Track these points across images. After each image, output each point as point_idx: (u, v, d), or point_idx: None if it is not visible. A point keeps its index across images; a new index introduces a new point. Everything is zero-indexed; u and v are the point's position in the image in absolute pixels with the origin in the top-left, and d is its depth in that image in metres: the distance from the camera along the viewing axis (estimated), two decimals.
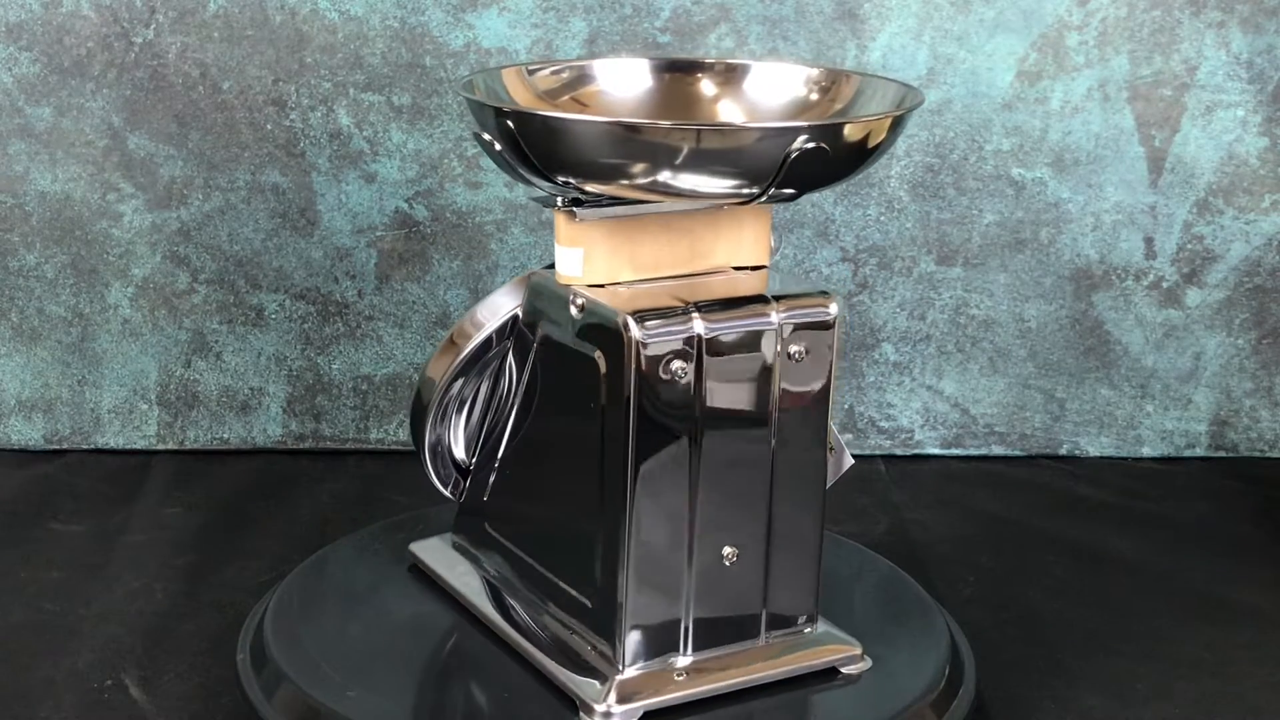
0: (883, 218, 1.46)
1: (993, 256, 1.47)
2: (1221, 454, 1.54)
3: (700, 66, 1.12)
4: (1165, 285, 1.48)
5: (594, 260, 0.97)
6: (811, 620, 1.02)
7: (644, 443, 0.94)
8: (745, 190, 0.92)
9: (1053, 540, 1.35)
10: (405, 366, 1.47)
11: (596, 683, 0.96)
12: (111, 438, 1.47)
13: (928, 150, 1.44)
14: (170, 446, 1.48)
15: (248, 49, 1.39)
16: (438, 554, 1.13)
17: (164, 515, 1.35)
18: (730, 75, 1.11)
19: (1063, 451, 1.53)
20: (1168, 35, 1.42)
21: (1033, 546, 1.34)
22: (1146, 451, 1.53)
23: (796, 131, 0.90)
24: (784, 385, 0.96)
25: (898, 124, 0.95)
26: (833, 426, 1.01)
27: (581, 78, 1.10)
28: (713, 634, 0.99)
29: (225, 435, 1.48)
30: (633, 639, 0.96)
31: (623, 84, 1.10)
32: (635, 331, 0.92)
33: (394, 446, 1.49)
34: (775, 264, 1.03)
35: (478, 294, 1.45)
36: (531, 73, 1.08)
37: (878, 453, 1.52)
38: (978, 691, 1.05)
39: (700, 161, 0.91)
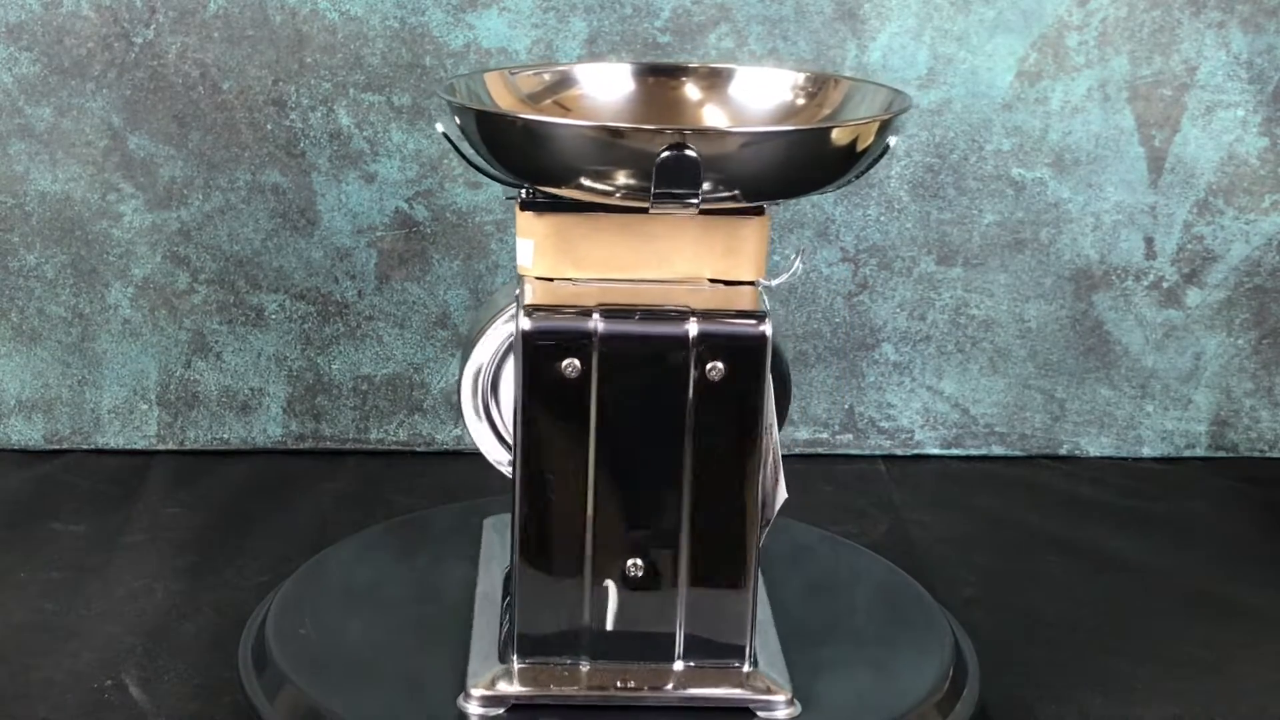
0: (883, 218, 1.46)
1: (993, 256, 1.47)
2: (1221, 454, 1.54)
3: (686, 71, 1.11)
4: (1165, 285, 1.48)
5: (542, 253, 0.98)
6: (741, 657, 0.97)
7: (531, 438, 0.94)
8: (636, 192, 0.91)
9: (1053, 540, 1.35)
10: (405, 366, 1.47)
11: (486, 669, 0.97)
12: (111, 438, 1.47)
13: (928, 150, 1.44)
14: (170, 446, 1.48)
15: (248, 49, 1.39)
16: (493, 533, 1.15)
17: (164, 515, 1.35)
18: (715, 80, 1.11)
19: (1063, 451, 1.53)
20: (1168, 35, 1.42)
21: (1033, 546, 1.34)
22: (1146, 451, 1.53)
23: (663, 135, 0.89)
24: (700, 405, 0.93)
25: (817, 137, 0.94)
26: (770, 458, 0.96)
27: (565, 81, 1.10)
28: (618, 646, 0.97)
29: (225, 435, 1.48)
30: (529, 634, 0.97)
31: (608, 88, 1.10)
32: (525, 322, 0.92)
33: (394, 446, 1.49)
34: (784, 282, 1.01)
35: (478, 294, 1.45)
36: (514, 74, 1.09)
37: (878, 453, 1.52)
38: (980, 694, 1.05)
39: (584, 160, 0.91)
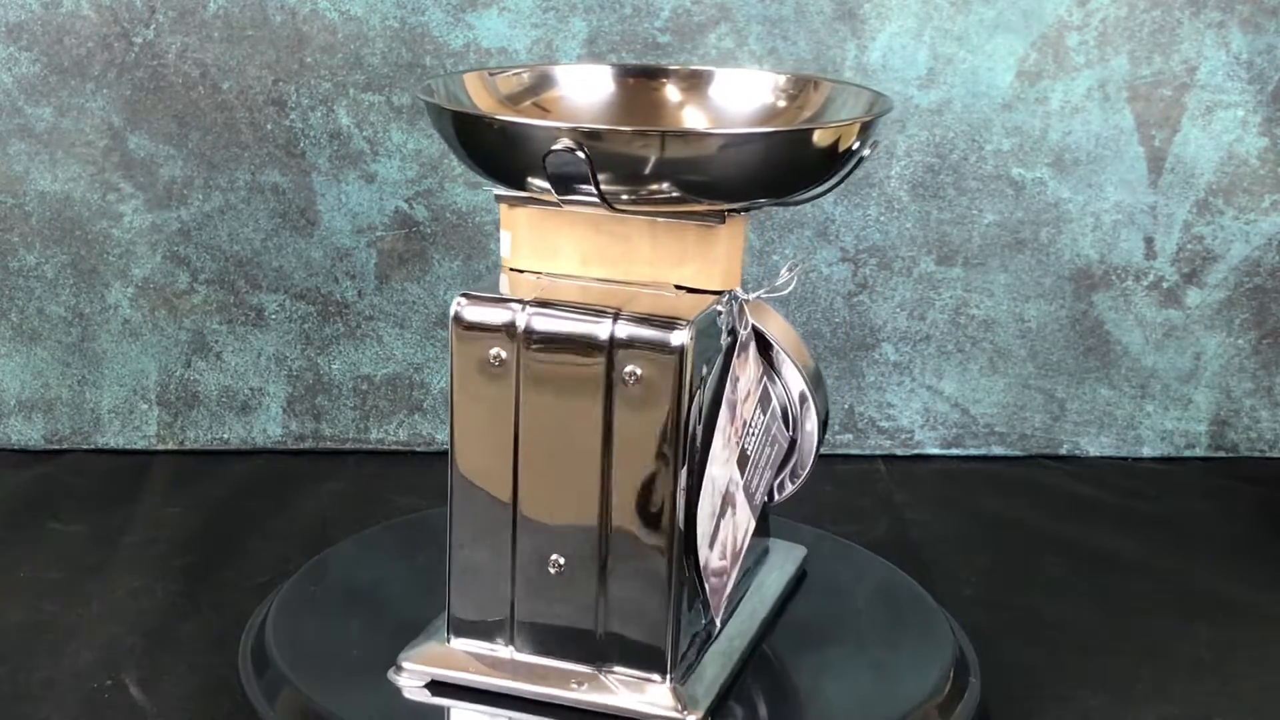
0: (883, 218, 1.46)
1: (993, 256, 1.47)
2: (1221, 454, 1.54)
3: (667, 73, 1.11)
4: (1165, 285, 1.48)
5: (518, 246, 0.99)
6: (660, 667, 0.96)
7: (462, 423, 0.95)
8: (544, 188, 0.92)
9: (1053, 540, 1.35)
10: (405, 366, 1.47)
11: (425, 646, 1.00)
12: (111, 438, 1.47)
13: (928, 150, 1.44)
14: (170, 446, 1.48)
15: (248, 49, 1.39)
16: None
17: (164, 515, 1.35)
18: (696, 81, 1.11)
19: (1063, 451, 1.53)
20: (1168, 35, 1.42)
21: (1033, 546, 1.34)
22: (1146, 451, 1.53)
23: (552, 132, 0.89)
24: (618, 407, 0.93)
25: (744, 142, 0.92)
26: (712, 471, 0.94)
27: (544, 82, 1.10)
28: (542, 640, 0.98)
29: (225, 435, 1.48)
30: (461, 618, 0.99)
31: (588, 89, 1.10)
32: (456, 309, 0.94)
33: (394, 446, 1.49)
34: (766, 296, 1.00)
35: None
36: (493, 75, 1.09)
37: (878, 453, 1.52)
38: (980, 694, 1.05)
39: (497, 154, 0.93)
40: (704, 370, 0.93)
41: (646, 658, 0.96)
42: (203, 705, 1.06)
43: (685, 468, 0.93)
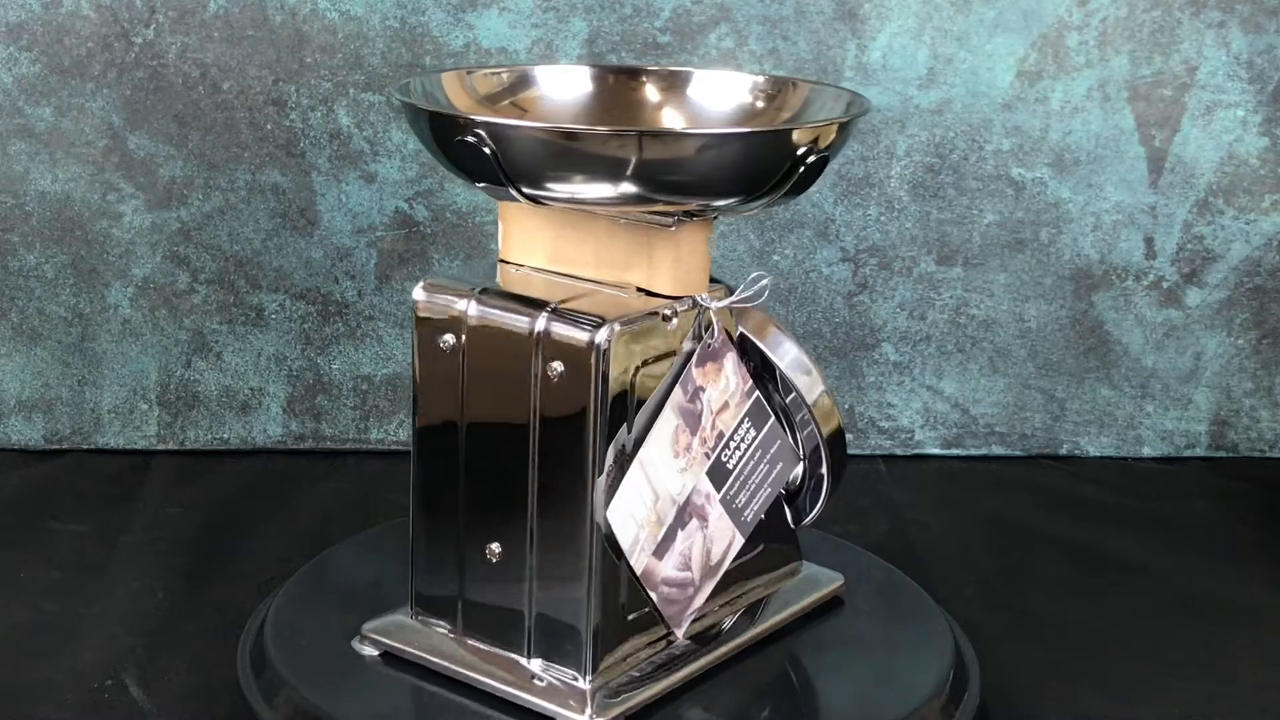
0: (883, 218, 1.46)
1: (993, 256, 1.47)
2: (1221, 454, 1.54)
3: (645, 73, 1.11)
4: (1165, 285, 1.48)
5: (507, 239, 1.02)
6: (578, 666, 0.96)
7: (421, 404, 0.99)
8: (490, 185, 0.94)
9: (1053, 540, 1.35)
10: (405, 366, 1.47)
11: (390, 616, 1.03)
12: (111, 438, 1.47)
13: (928, 150, 1.44)
14: (170, 446, 1.48)
15: (248, 49, 1.39)
16: None
17: (164, 515, 1.35)
18: (674, 81, 1.10)
19: (1063, 451, 1.53)
20: (1168, 35, 1.42)
21: (1033, 546, 1.34)
22: (1146, 451, 1.53)
23: (465, 123, 0.92)
24: (542, 400, 0.93)
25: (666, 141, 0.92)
26: (650, 477, 0.95)
27: (523, 82, 1.10)
28: (483, 625, 1.00)
29: (225, 435, 1.48)
30: (421, 592, 1.02)
31: (566, 89, 1.10)
32: (414, 295, 0.98)
33: (394, 446, 1.49)
34: (732, 306, 0.98)
35: None
36: (470, 74, 1.09)
37: (878, 453, 1.52)
38: (980, 695, 1.05)
39: (432, 146, 0.95)
40: (633, 372, 0.93)
41: (566, 655, 0.97)
42: (203, 705, 1.06)
43: (602, 469, 0.93)
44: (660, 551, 0.96)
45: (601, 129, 0.92)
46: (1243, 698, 1.11)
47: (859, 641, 1.08)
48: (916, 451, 1.52)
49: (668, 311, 0.94)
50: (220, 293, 1.44)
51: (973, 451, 1.52)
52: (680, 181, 0.91)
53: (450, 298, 0.97)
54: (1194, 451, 1.53)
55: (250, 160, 1.41)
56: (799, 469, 1.05)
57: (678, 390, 0.95)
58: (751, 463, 1.00)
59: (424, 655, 1.00)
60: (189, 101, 1.39)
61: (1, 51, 1.37)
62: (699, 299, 0.96)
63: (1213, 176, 1.45)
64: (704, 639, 1.02)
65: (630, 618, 0.97)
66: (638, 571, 0.95)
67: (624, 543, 0.94)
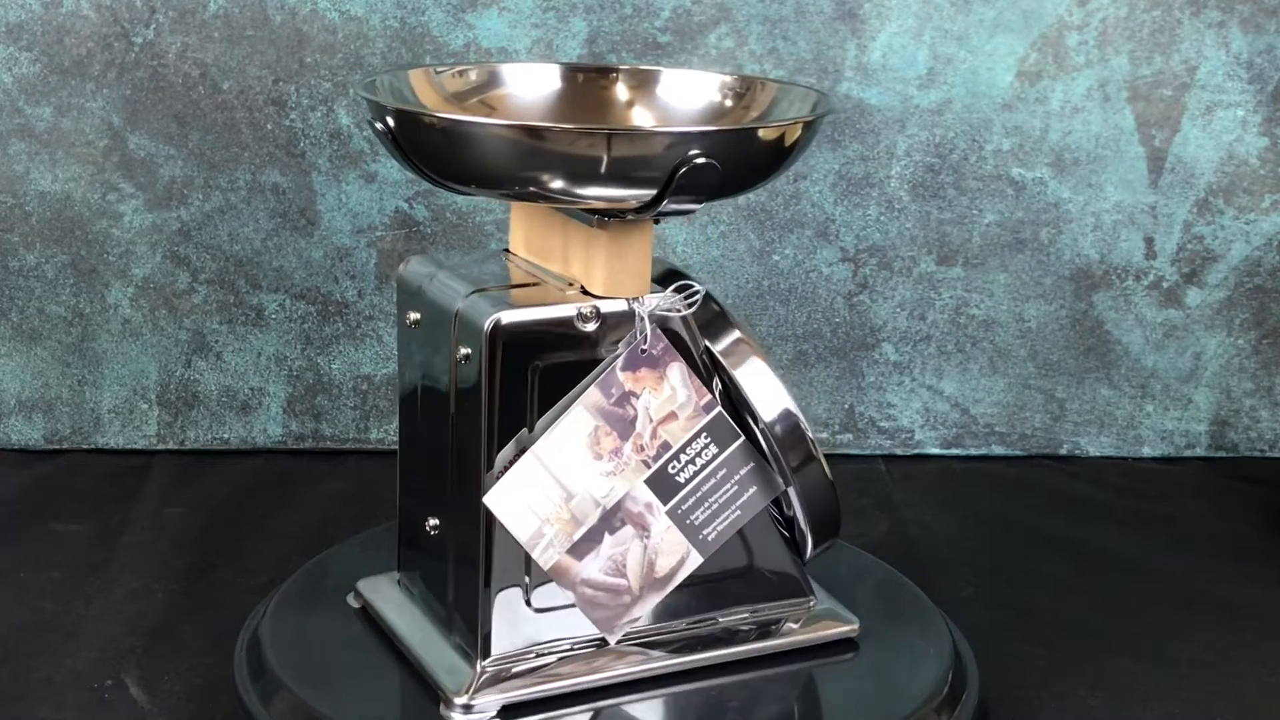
0: (883, 218, 1.46)
1: (993, 256, 1.47)
2: (1221, 454, 1.54)
3: (615, 72, 1.11)
4: (1165, 285, 1.48)
5: (511, 230, 1.04)
6: (473, 654, 0.97)
7: (400, 372, 1.04)
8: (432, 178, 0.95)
9: (1053, 540, 1.35)
10: None
11: (379, 576, 1.09)
12: (111, 438, 1.47)
13: (928, 150, 1.44)
14: (170, 446, 1.48)
15: (248, 49, 1.39)
16: None
17: (164, 515, 1.35)
18: (642, 81, 1.10)
19: (1063, 451, 1.53)
20: (1168, 35, 1.42)
21: (1033, 546, 1.34)
22: (1146, 451, 1.53)
23: (381, 110, 0.93)
24: (456, 383, 0.96)
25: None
26: (558, 475, 0.95)
27: (491, 81, 1.10)
28: (427, 595, 1.04)
29: (225, 435, 1.48)
30: (403, 550, 1.07)
31: (535, 88, 1.10)
32: (400, 268, 1.03)
33: (394, 446, 1.49)
34: (660, 311, 0.96)
35: None
36: (439, 73, 1.09)
37: (878, 453, 1.52)
38: (980, 695, 1.05)
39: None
40: (538, 366, 0.94)
41: (467, 635, 0.98)
42: (203, 705, 1.06)
43: (494, 456, 0.94)
44: (580, 552, 0.96)
45: (475, 119, 0.95)
46: (1243, 698, 1.11)
47: (856, 643, 1.07)
48: (916, 451, 1.52)
49: (586, 310, 0.94)
50: (220, 293, 1.44)
51: (973, 451, 1.52)
52: (546, 176, 0.91)
53: (419, 275, 1.00)
54: (1194, 451, 1.53)
55: (250, 160, 1.41)
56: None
57: (595, 391, 0.94)
58: (712, 480, 0.98)
59: (384, 616, 1.04)
60: (189, 101, 1.39)
61: (1, 51, 1.37)
62: (631, 302, 0.95)
63: (1213, 176, 1.45)
64: (653, 647, 1.01)
65: (539, 609, 0.97)
66: (544, 565, 0.95)
67: (520, 534, 0.94)
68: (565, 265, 0.98)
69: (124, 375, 1.46)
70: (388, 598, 1.07)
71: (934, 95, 1.42)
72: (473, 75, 1.10)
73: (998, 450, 1.52)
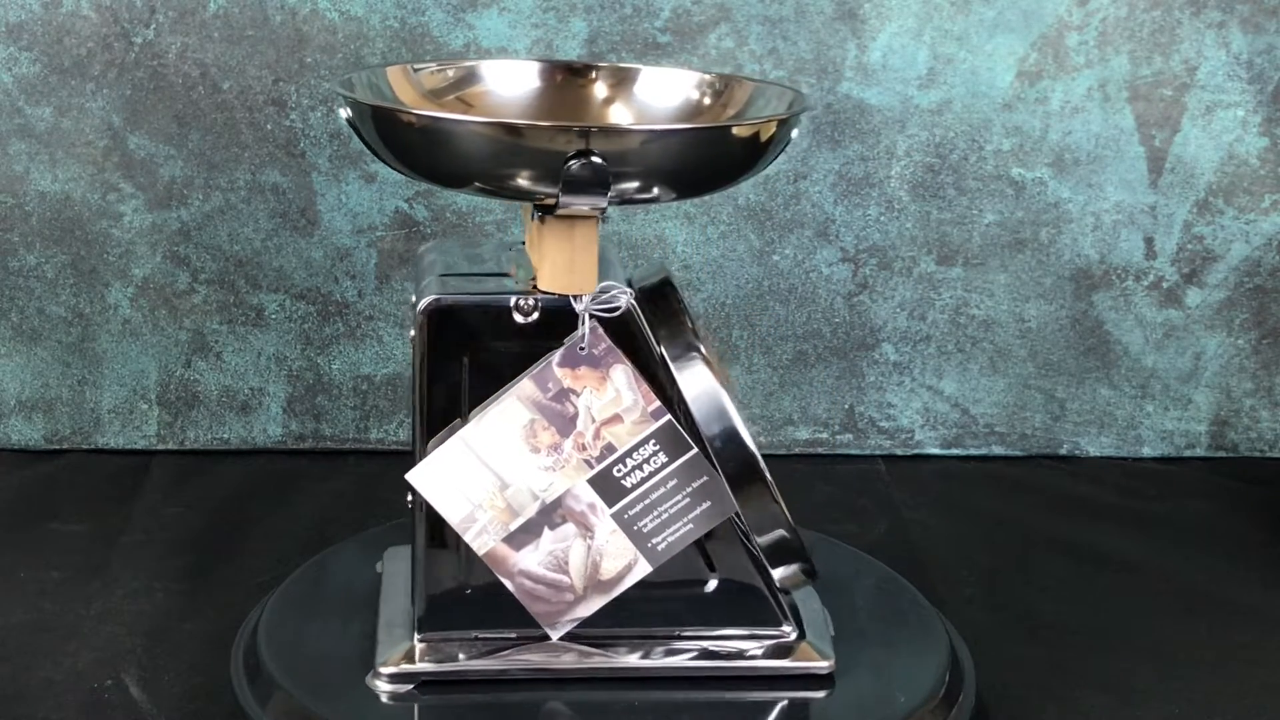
0: (883, 218, 1.46)
1: (993, 256, 1.47)
2: (1221, 454, 1.54)
3: (594, 70, 1.11)
4: (1165, 285, 1.48)
5: (523, 223, 1.05)
6: (410, 630, 1.01)
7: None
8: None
9: (1053, 540, 1.35)
10: (405, 366, 1.47)
11: None
12: (111, 438, 1.47)
13: (928, 150, 1.44)
14: (170, 446, 1.48)
15: (248, 49, 1.39)
16: None
17: (164, 515, 1.35)
18: (621, 79, 1.10)
19: (1063, 451, 1.53)
20: (1168, 35, 1.42)
21: (1033, 546, 1.34)
22: (1146, 451, 1.53)
23: (341, 98, 0.96)
24: (412, 362, 0.99)
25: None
26: (489, 462, 0.96)
27: (470, 78, 1.10)
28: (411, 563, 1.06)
29: (225, 435, 1.48)
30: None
31: (513, 85, 1.10)
32: (421, 248, 1.07)
33: (394, 446, 1.49)
34: (589, 310, 0.96)
35: None
36: (417, 71, 1.09)
37: (878, 453, 1.52)
38: (978, 695, 1.05)
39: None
40: (468, 349, 0.96)
41: (410, 614, 1.01)
42: (202, 705, 1.06)
43: (424, 436, 0.97)
44: (518, 542, 0.96)
45: (401, 108, 0.96)
46: (1243, 697, 1.11)
47: (853, 644, 1.07)
48: (916, 451, 1.52)
49: (524, 302, 0.95)
50: (220, 293, 1.44)
51: (973, 451, 1.52)
52: (454, 167, 0.93)
53: (424, 259, 1.03)
54: (1194, 451, 1.53)
55: (250, 160, 1.41)
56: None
57: (529, 383, 0.95)
58: (662, 490, 0.97)
59: (381, 587, 1.08)
60: (189, 101, 1.39)
61: (1, 51, 1.37)
62: (573, 299, 0.96)
63: (1213, 176, 1.45)
64: (598, 648, 1.01)
65: (476, 593, 0.99)
66: (478, 550, 0.96)
67: (450, 515, 0.96)
68: (534, 258, 1.00)
69: (124, 375, 1.46)
70: (395, 571, 1.08)
71: (934, 95, 1.42)
72: (450, 73, 1.10)
73: (998, 450, 1.52)
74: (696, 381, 0.96)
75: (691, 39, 1.40)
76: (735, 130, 0.95)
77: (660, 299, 0.98)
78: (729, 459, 0.96)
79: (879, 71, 1.41)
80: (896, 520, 1.38)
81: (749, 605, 1.02)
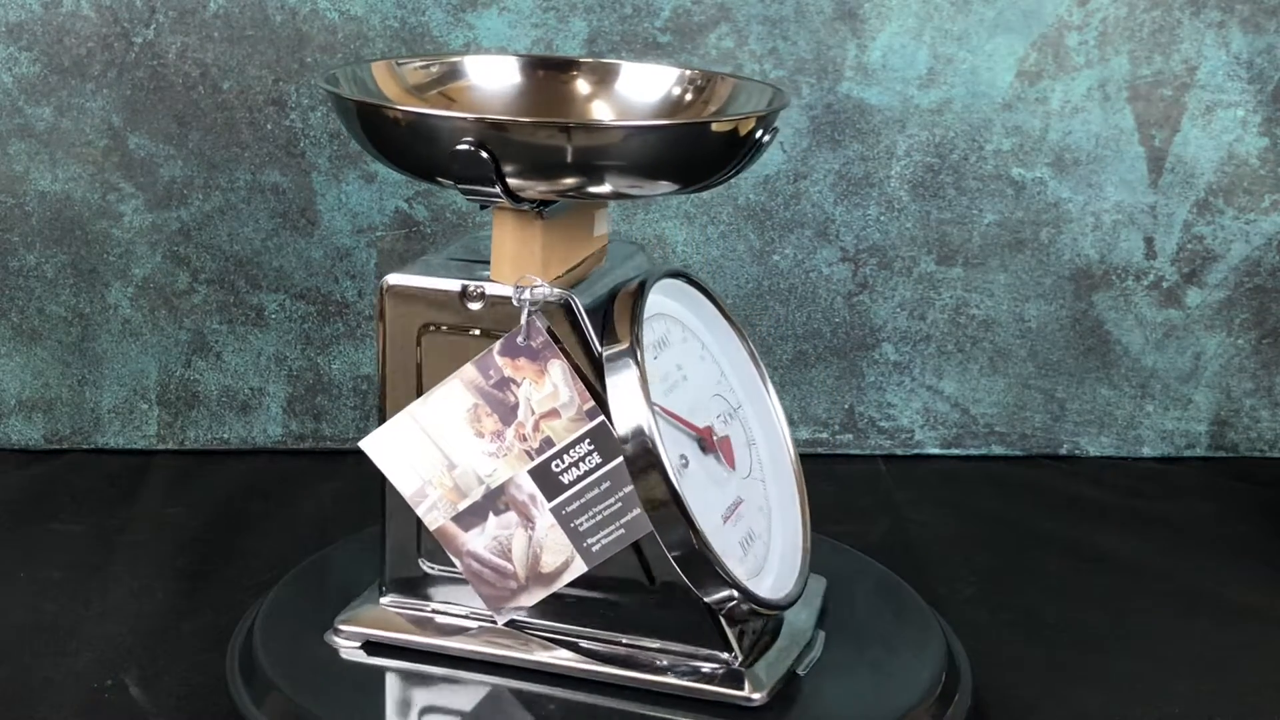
0: (883, 218, 1.46)
1: (993, 256, 1.47)
2: (1221, 454, 1.54)
3: (575, 65, 1.11)
4: (1165, 285, 1.48)
5: None
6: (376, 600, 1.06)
7: None
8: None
9: (1053, 540, 1.35)
10: None
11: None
12: (111, 438, 1.47)
13: (928, 150, 1.44)
14: (170, 446, 1.48)
15: (248, 49, 1.39)
16: None
17: (164, 515, 1.35)
18: (604, 75, 1.10)
19: (1063, 451, 1.53)
20: (1168, 35, 1.42)
21: (1033, 546, 1.34)
22: (1146, 451, 1.53)
23: (327, 91, 0.97)
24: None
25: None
26: (439, 442, 0.98)
27: (453, 73, 1.10)
28: None
29: (225, 435, 1.48)
30: None
31: (495, 80, 1.10)
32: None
33: None
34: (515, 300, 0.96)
35: None
36: (400, 65, 1.09)
37: (878, 453, 1.52)
38: (976, 695, 1.05)
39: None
40: (421, 330, 0.98)
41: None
42: (202, 705, 1.06)
43: (383, 409, 1.00)
44: (466, 523, 0.97)
45: (341, 93, 0.97)
46: (1243, 698, 1.11)
47: (848, 644, 1.07)
48: (916, 451, 1.52)
49: (472, 288, 0.97)
50: (220, 293, 1.44)
51: (973, 451, 1.52)
52: (391, 154, 0.97)
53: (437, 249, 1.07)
54: (1194, 451, 1.53)
55: (250, 160, 1.41)
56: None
57: (472, 369, 0.96)
58: (596, 490, 0.96)
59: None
60: (189, 101, 1.39)
61: (1, 51, 1.37)
62: (515, 290, 0.96)
63: (1213, 176, 1.45)
64: (548, 643, 1.01)
65: (430, 570, 1.02)
66: (429, 525, 0.98)
67: (403, 488, 0.98)
68: None
69: (124, 375, 1.46)
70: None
71: (934, 95, 1.42)
72: (434, 69, 1.10)
73: (998, 450, 1.52)
74: (620, 381, 0.94)
75: (691, 39, 1.40)
76: (714, 127, 0.95)
77: (625, 301, 0.97)
78: (637, 460, 0.93)
79: (879, 71, 1.41)
80: (896, 520, 1.38)
81: (692, 623, 0.99)
